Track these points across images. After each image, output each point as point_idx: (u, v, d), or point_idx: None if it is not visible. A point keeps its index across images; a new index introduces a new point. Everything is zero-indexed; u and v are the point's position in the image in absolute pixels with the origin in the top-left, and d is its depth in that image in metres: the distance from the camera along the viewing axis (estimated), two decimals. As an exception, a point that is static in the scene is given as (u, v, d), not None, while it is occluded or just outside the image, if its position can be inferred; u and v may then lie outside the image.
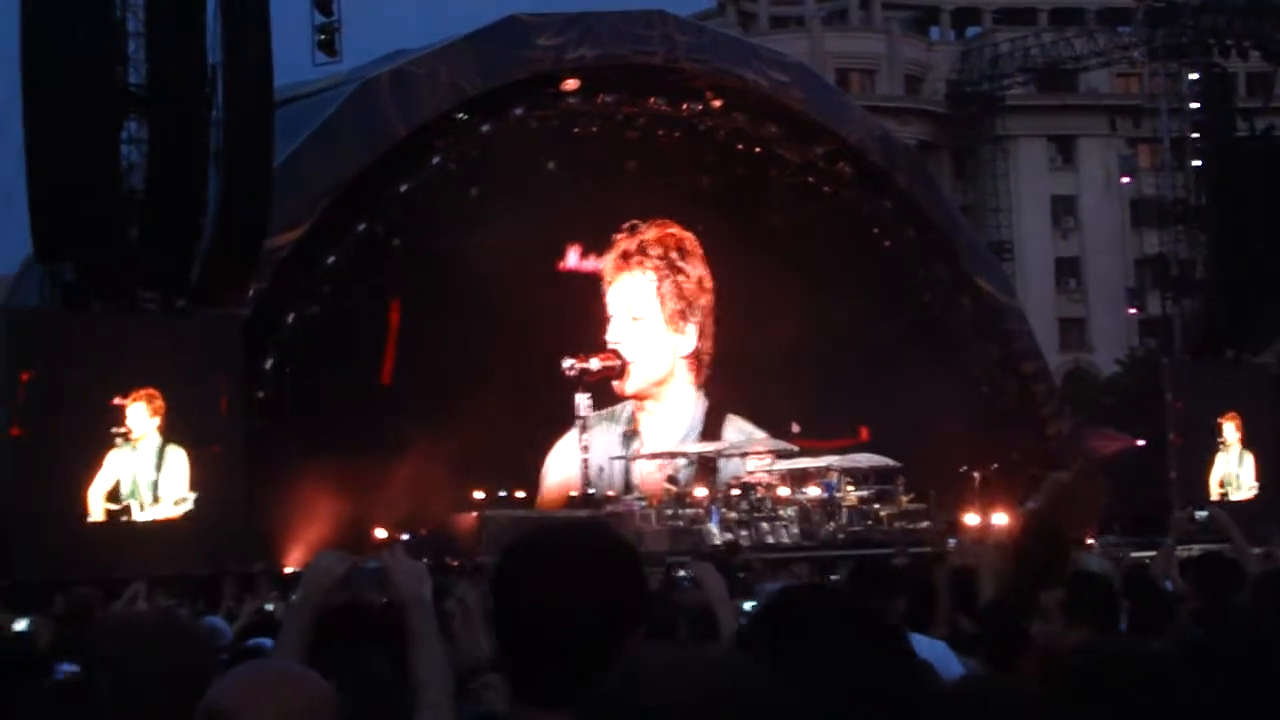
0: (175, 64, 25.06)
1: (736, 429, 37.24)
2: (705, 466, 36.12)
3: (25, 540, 24.42)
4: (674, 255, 37.39)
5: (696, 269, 37.59)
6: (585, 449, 33.69)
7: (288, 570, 25.94)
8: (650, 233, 37.10)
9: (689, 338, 37.62)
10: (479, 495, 31.47)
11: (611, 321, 36.87)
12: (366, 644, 6.12)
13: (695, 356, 37.76)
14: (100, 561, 22.74)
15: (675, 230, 37.27)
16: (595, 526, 3.22)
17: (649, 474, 35.54)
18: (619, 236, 36.87)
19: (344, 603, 5.95)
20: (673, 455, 35.58)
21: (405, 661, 3.94)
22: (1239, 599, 6.68)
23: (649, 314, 37.29)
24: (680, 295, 37.51)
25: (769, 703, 2.26)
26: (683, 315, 37.54)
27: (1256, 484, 37.70)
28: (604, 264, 36.75)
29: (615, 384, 36.33)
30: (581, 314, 35.62)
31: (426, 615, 3.94)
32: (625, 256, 37.00)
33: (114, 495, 25.34)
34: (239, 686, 2.99)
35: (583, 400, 33.91)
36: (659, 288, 37.33)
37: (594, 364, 34.93)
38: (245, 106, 25.45)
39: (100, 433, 25.09)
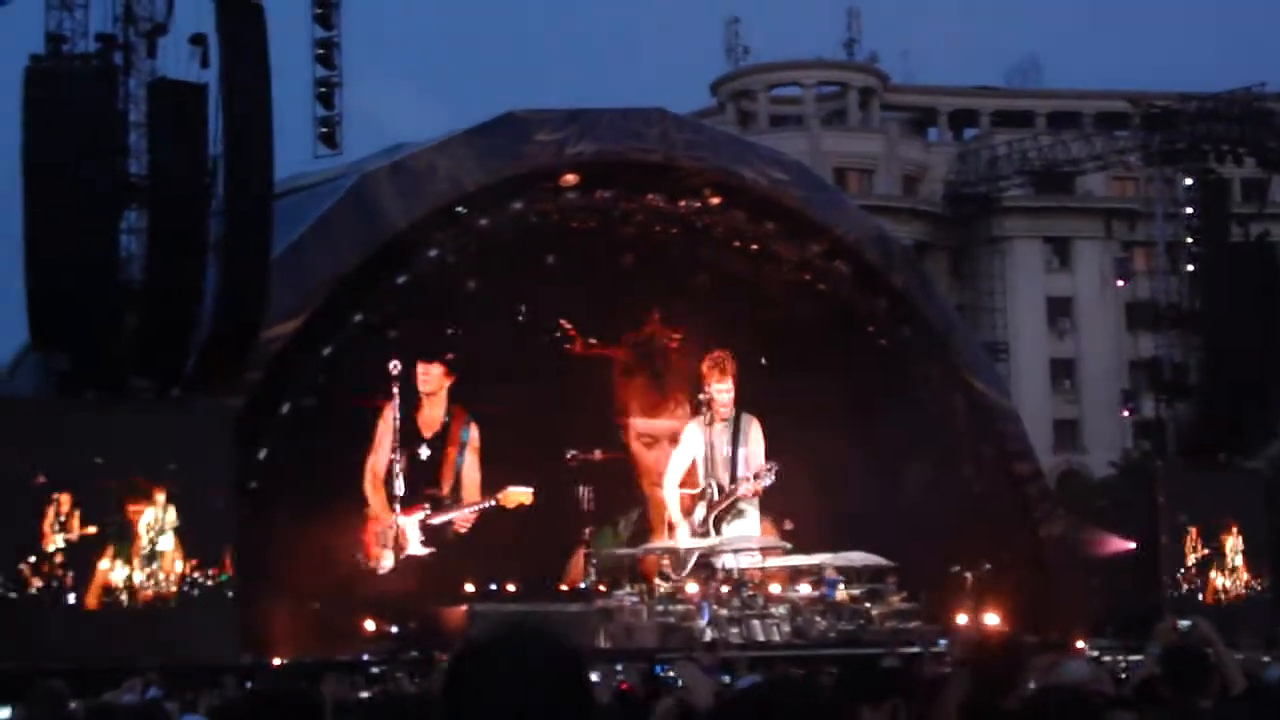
0: (176, 155, 25.26)
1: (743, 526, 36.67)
2: (704, 563, 35.76)
3: (10, 628, 24.35)
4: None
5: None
6: (586, 542, 33.47)
7: (275, 662, 25.85)
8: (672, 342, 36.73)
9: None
10: (469, 588, 31.35)
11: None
12: None
13: None
14: (88, 651, 22.70)
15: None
16: (544, 636, 3.26)
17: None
18: (648, 326, 36.53)
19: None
20: (663, 551, 35.35)
21: None
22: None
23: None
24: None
25: None
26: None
27: (1246, 588, 37.63)
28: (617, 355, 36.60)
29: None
30: (587, 407, 35.49)
31: None
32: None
33: (107, 585, 25.29)
34: None
35: (585, 493, 33.63)
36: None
37: (598, 455, 34.64)
38: (245, 198, 25.60)
39: (92, 519, 25.05)
